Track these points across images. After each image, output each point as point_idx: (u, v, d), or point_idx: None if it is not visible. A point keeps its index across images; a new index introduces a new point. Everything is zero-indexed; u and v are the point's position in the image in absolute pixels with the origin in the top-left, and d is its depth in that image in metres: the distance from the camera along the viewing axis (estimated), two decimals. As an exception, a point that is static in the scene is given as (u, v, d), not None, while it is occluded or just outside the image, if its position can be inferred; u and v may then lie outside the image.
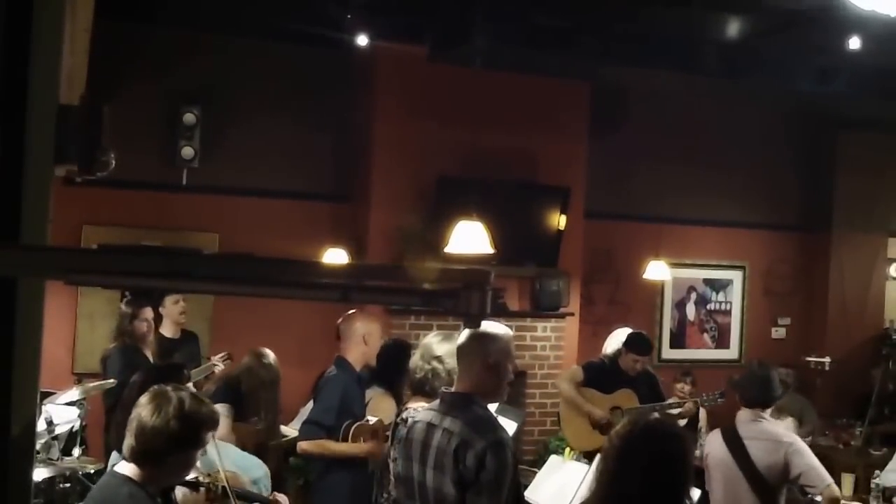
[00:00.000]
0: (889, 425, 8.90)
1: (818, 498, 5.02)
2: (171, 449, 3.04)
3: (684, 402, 7.50)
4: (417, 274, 1.48)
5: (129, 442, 3.05)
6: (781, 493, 4.95)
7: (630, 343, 7.28)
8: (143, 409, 3.05)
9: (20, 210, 1.97)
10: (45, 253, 1.86)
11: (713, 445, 5.12)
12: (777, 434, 5.01)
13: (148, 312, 6.89)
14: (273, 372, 6.32)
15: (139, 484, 3.05)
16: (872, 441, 8.42)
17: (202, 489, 3.50)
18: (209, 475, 3.58)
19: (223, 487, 3.60)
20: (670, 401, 7.53)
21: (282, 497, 4.65)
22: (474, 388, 3.62)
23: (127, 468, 3.09)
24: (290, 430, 6.38)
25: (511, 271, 8.43)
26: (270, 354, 6.41)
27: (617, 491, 2.89)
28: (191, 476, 3.39)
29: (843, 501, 6.15)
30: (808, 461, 4.85)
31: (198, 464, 3.34)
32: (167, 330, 7.30)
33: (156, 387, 3.21)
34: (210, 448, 3.42)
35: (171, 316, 7.33)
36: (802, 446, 4.95)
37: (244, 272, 1.62)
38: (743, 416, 5.08)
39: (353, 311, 5.85)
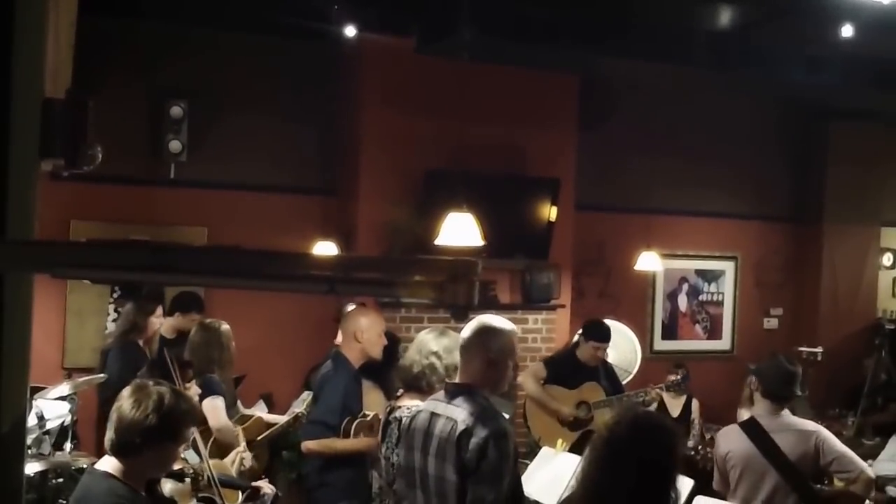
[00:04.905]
0: (881, 415, 8.90)
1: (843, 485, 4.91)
2: (149, 442, 3.08)
3: (649, 390, 7.40)
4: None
5: (109, 435, 3.11)
6: (815, 484, 4.82)
7: (589, 331, 7.23)
8: (124, 403, 3.11)
9: (5, 205, 1.97)
10: (31, 247, 1.85)
11: (735, 443, 4.88)
12: (802, 424, 4.88)
13: (161, 310, 6.85)
14: (223, 330, 6.02)
15: (119, 478, 3.10)
16: (865, 431, 8.43)
17: (188, 479, 3.57)
18: (193, 466, 3.63)
19: (208, 476, 3.65)
20: (636, 390, 7.46)
21: (267, 485, 4.65)
22: (475, 380, 3.65)
23: (107, 464, 3.15)
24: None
25: (501, 264, 8.41)
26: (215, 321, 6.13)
27: (604, 483, 2.87)
28: (176, 467, 3.45)
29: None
30: (839, 448, 4.75)
31: (184, 455, 3.39)
32: (167, 330, 7.01)
33: (138, 381, 3.29)
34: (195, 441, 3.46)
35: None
36: (829, 434, 4.84)
37: (231, 265, 1.62)
38: (761, 409, 4.90)
39: (354, 306, 5.82)
